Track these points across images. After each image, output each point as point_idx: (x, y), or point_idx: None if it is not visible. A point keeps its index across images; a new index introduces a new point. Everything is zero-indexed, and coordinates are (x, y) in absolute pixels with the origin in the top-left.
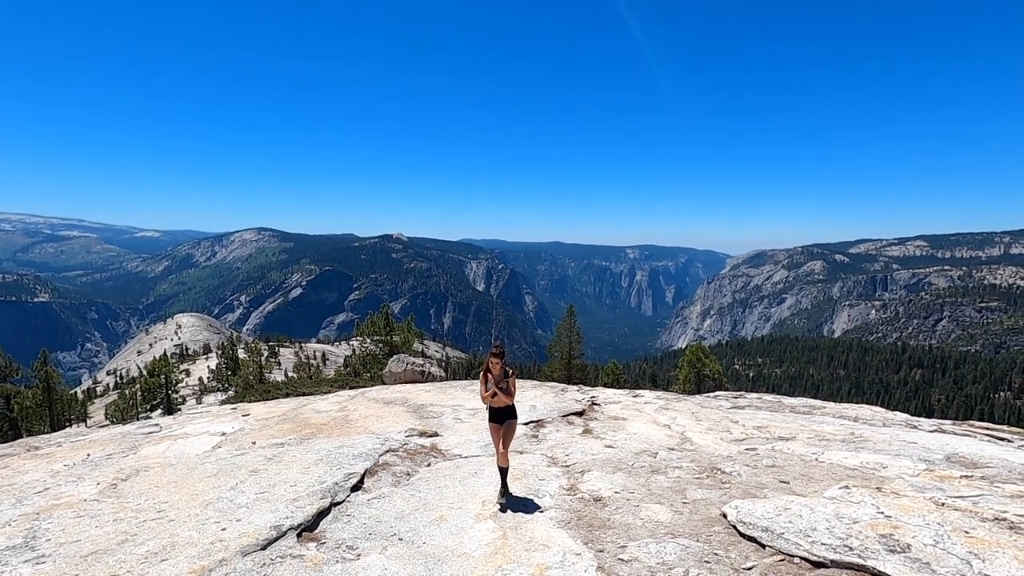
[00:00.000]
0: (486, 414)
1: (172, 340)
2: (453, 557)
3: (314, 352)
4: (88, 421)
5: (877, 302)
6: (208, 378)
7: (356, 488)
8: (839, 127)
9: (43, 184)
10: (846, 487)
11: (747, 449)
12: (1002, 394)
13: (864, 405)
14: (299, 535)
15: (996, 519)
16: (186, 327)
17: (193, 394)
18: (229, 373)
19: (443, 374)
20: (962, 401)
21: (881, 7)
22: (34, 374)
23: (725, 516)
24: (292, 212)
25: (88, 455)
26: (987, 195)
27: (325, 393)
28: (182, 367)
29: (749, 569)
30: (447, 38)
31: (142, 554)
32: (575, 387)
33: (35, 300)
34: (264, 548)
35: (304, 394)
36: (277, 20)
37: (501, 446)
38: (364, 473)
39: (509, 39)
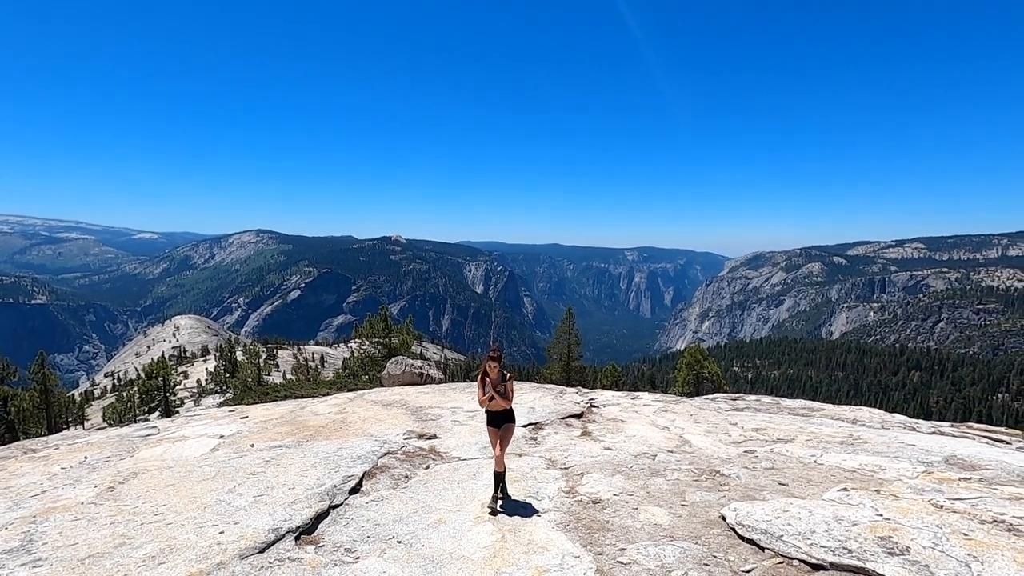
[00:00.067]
0: (485, 417)
1: (170, 342)
2: (452, 560)
3: (312, 354)
4: (86, 423)
5: (875, 304)
6: (206, 380)
7: (354, 491)
8: (838, 129)
9: (41, 186)
10: (845, 489)
11: (746, 451)
12: (1000, 396)
13: (862, 407)
14: (297, 538)
15: (995, 521)
16: (184, 329)
17: (191, 396)
18: (227, 375)
19: (442, 376)
20: (960, 403)
21: (880, 8)
22: (31, 376)
23: (724, 518)
24: (291, 214)
25: (85, 458)
26: (985, 197)
27: (323, 395)
28: (180, 369)
29: (748, 572)
30: (447, 38)
31: (139, 557)
32: (574, 389)
33: (33, 302)
34: (262, 551)
35: (302, 396)
36: (276, 21)
37: (497, 450)
38: (362, 476)
39: (509, 39)
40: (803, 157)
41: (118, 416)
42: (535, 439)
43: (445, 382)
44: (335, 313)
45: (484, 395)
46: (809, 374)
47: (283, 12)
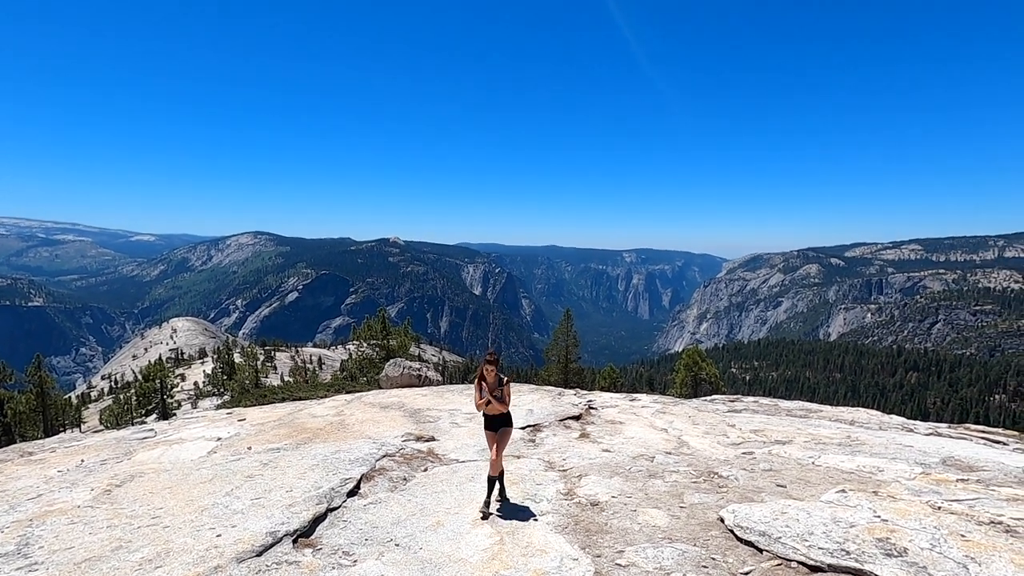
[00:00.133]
0: (482, 419)
1: (167, 344)
2: (450, 563)
3: (310, 356)
4: (82, 426)
5: (872, 305)
6: (204, 383)
7: (352, 493)
8: (835, 130)
9: (38, 188)
10: (843, 491)
11: (744, 453)
12: (997, 397)
13: (860, 408)
14: (295, 541)
15: (992, 522)
16: (182, 331)
17: (188, 399)
18: (225, 378)
19: (440, 378)
20: (957, 404)
21: (880, 8)
22: (28, 379)
23: (722, 520)
24: (288, 216)
25: (82, 461)
26: (981, 199)
27: (321, 398)
28: (177, 372)
29: (747, 574)
30: (448, 38)
31: (136, 561)
32: (572, 391)
33: (29, 304)
34: (260, 554)
35: (300, 399)
36: (273, 21)
37: (493, 453)
38: (361, 478)
39: (509, 40)
40: (800, 158)
41: (115, 419)
42: (533, 441)
43: (443, 384)
44: (333, 315)
45: (481, 399)
46: (807, 375)
47: (282, 12)
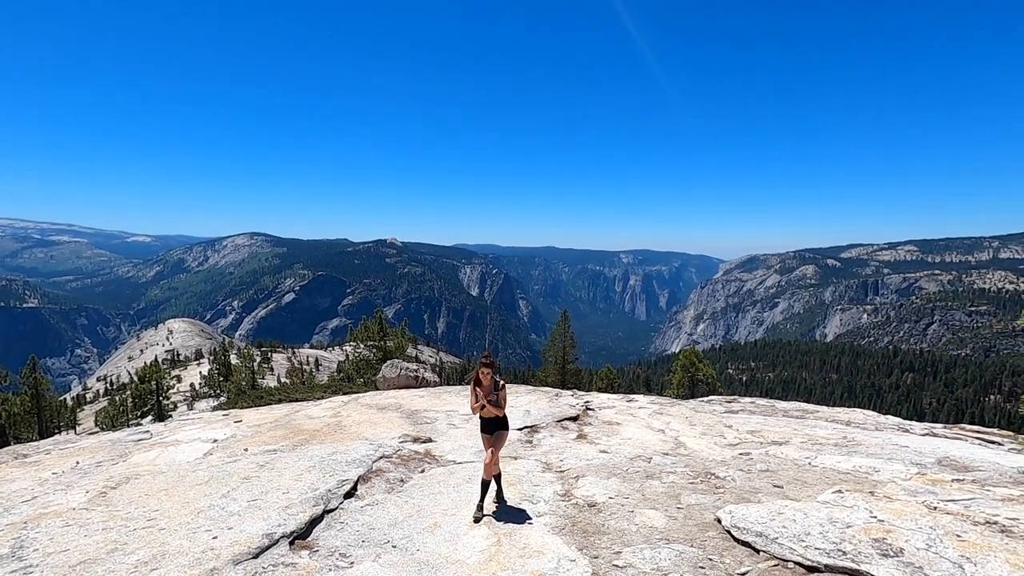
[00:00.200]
0: (479, 421)
1: (163, 346)
2: (447, 564)
3: (307, 358)
4: (77, 428)
5: (868, 306)
6: (200, 384)
7: (349, 495)
8: (833, 131)
9: (33, 188)
10: (839, 491)
11: (741, 454)
12: (992, 397)
13: (856, 409)
14: (291, 543)
15: (988, 522)
16: (178, 333)
17: (184, 400)
18: (221, 379)
19: (437, 379)
20: (953, 404)
21: (876, 12)
22: (22, 381)
23: (719, 521)
24: (285, 217)
25: (77, 463)
26: (976, 200)
27: (318, 399)
28: (173, 373)
29: (743, 574)
30: (447, 38)
31: (132, 563)
32: (569, 392)
33: (24, 306)
34: (256, 556)
35: (297, 400)
36: (270, 21)
37: (487, 457)
38: (357, 480)
39: (510, 40)
40: (799, 159)
41: (110, 420)
42: (531, 442)
43: (440, 385)
44: (330, 316)
45: (476, 402)
46: (803, 376)
47: (279, 13)
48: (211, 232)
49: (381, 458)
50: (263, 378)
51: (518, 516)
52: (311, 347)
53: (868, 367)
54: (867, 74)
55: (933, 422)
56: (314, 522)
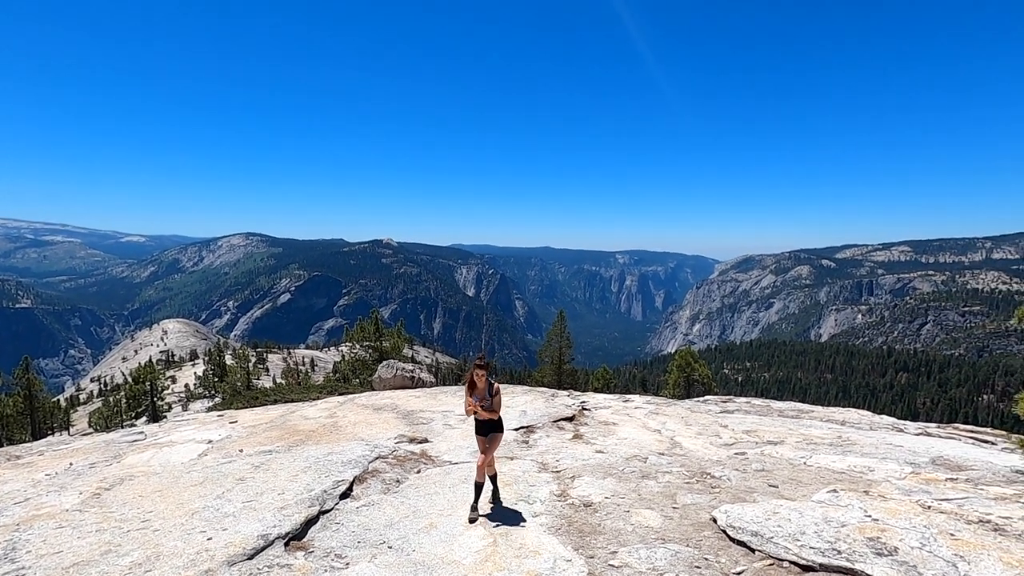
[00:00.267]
0: (473, 422)
1: (158, 346)
2: (443, 565)
3: (303, 358)
4: (71, 429)
5: (863, 307)
6: (195, 385)
7: (345, 496)
8: (831, 132)
9: (26, 188)
10: (834, 491)
11: (736, 453)
12: (985, 397)
13: (851, 409)
14: (287, 544)
15: (981, 521)
16: (172, 333)
17: (179, 401)
18: (216, 380)
19: (433, 380)
20: (946, 404)
21: (872, 14)
22: (15, 381)
23: (715, 521)
24: (281, 217)
25: (71, 464)
26: (970, 201)
27: (314, 399)
28: (168, 374)
29: (739, 574)
30: (446, 38)
31: (126, 565)
32: (565, 392)
33: (17, 306)
34: (251, 557)
35: (292, 400)
36: (266, 21)
37: (480, 459)
38: (353, 480)
39: (509, 40)
40: (793, 159)
41: (104, 421)
42: (527, 442)
43: (436, 385)
44: (325, 317)
45: (470, 405)
46: (798, 376)
47: (275, 12)
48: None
49: (377, 459)
50: (258, 379)
51: (514, 516)
52: (307, 347)
53: (863, 367)
54: (867, 74)
55: (927, 422)
56: (309, 523)
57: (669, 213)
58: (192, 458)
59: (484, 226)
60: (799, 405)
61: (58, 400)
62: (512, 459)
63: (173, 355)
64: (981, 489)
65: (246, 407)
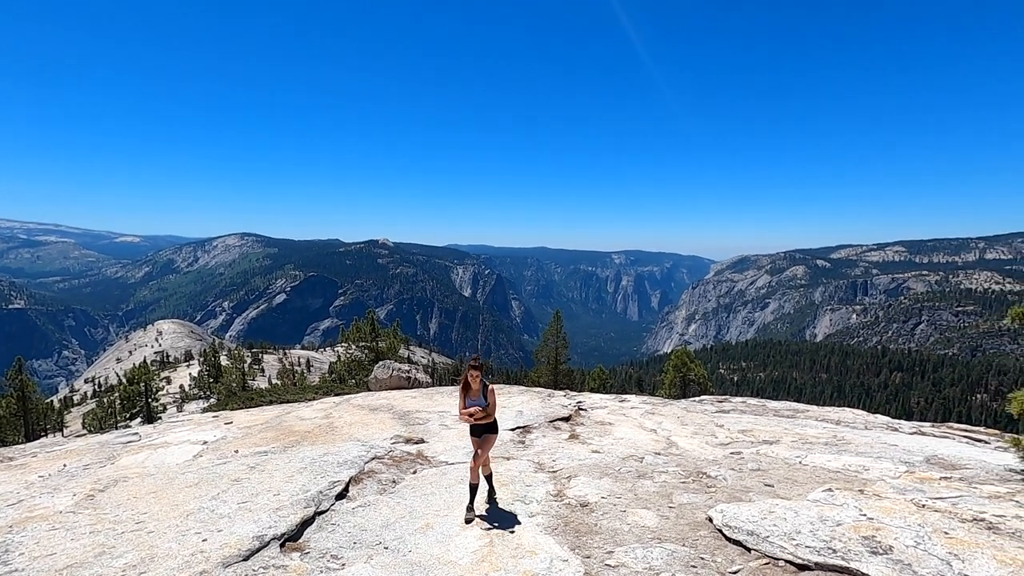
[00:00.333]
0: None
1: (152, 347)
2: (439, 565)
3: (298, 359)
4: (65, 430)
5: (858, 307)
6: (189, 385)
7: (341, 496)
8: (829, 133)
9: (19, 188)
10: (829, 490)
11: (732, 453)
12: (979, 396)
13: (846, 408)
14: (282, 545)
15: (975, 520)
16: (167, 334)
17: (174, 402)
18: (211, 380)
19: (429, 380)
20: (940, 403)
21: (868, 15)
22: (8, 383)
23: (711, 520)
24: (276, 217)
25: (64, 465)
26: (964, 202)
27: (309, 400)
28: (163, 374)
29: (735, 573)
30: (444, 38)
31: (120, 567)
32: (562, 392)
33: (10, 307)
34: (246, 559)
35: (288, 401)
36: (265, 21)
37: (474, 460)
38: (349, 481)
39: (508, 41)
40: (790, 160)
41: (98, 423)
42: (523, 442)
43: (433, 386)
44: (321, 317)
45: (464, 408)
46: (794, 376)
47: (275, 12)
48: (201, 232)
49: (373, 459)
50: (254, 379)
51: (510, 517)
52: (302, 348)
53: (857, 367)
54: (865, 75)
55: (921, 421)
56: (305, 524)
57: (665, 213)
58: (187, 459)
59: (480, 226)
60: (794, 405)
61: (52, 401)
62: (508, 459)
63: (168, 356)
64: (975, 488)
65: (241, 408)
